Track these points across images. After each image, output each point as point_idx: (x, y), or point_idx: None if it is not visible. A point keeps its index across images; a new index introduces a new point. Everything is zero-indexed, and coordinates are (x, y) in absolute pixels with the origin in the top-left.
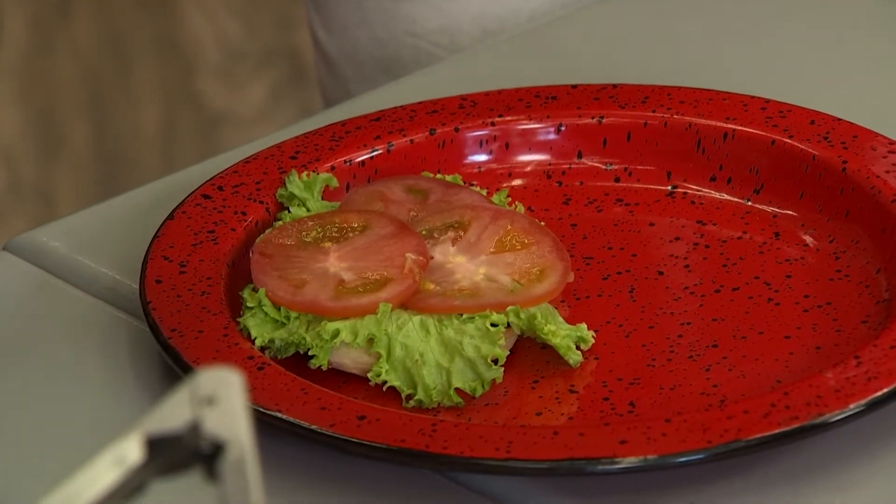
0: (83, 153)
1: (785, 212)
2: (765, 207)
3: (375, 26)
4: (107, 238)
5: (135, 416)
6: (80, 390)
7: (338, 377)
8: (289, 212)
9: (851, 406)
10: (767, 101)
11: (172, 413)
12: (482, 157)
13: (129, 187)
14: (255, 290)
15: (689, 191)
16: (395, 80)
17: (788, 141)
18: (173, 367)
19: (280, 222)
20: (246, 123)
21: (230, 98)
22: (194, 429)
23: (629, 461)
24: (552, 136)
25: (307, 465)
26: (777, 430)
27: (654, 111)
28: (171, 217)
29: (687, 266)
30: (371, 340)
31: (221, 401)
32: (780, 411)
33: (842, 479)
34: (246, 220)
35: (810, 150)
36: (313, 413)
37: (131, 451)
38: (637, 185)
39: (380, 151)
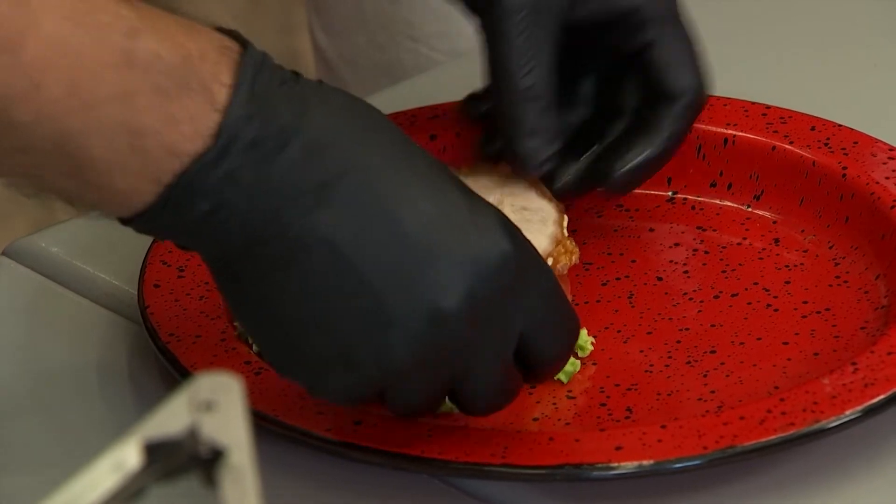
0: None
1: (785, 218)
2: (765, 213)
3: (375, 30)
4: (106, 243)
5: (133, 421)
6: (79, 395)
7: None
8: None
9: (848, 412)
10: (768, 106)
11: (171, 418)
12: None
13: None
14: None
15: (690, 196)
16: (395, 83)
17: (789, 147)
18: (171, 371)
19: None
20: None
21: None
22: (193, 434)
23: (625, 467)
24: None
25: (306, 469)
26: (773, 437)
27: None
28: None
29: (686, 272)
30: None
31: (220, 406)
32: (776, 417)
33: (839, 485)
34: None
35: (810, 156)
36: (310, 418)
37: (130, 456)
38: (637, 191)
39: None
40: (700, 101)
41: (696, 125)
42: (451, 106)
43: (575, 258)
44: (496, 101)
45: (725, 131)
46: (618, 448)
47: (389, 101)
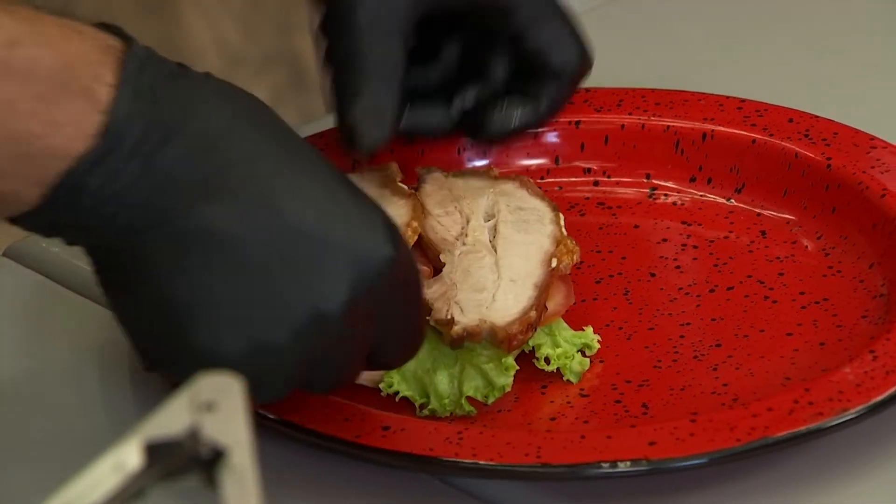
0: None
1: (768, 210)
2: (748, 206)
3: None
4: None
5: (133, 421)
6: (79, 395)
7: (346, 388)
8: None
9: (875, 399)
10: (743, 100)
11: (172, 419)
12: (461, 165)
13: None
14: None
15: (670, 192)
16: None
17: (769, 139)
18: None
19: None
20: None
21: None
22: (194, 435)
23: (661, 462)
24: (529, 141)
25: (306, 470)
26: (804, 427)
27: (630, 114)
28: None
29: (678, 267)
30: None
31: (221, 406)
32: (803, 408)
33: (839, 485)
34: None
35: (793, 148)
36: (338, 425)
37: (131, 456)
38: (617, 189)
39: (360, 161)
40: (583, 71)
41: (673, 121)
42: None
43: (576, 257)
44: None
45: (703, 126)
46: (651, 443)
47: None
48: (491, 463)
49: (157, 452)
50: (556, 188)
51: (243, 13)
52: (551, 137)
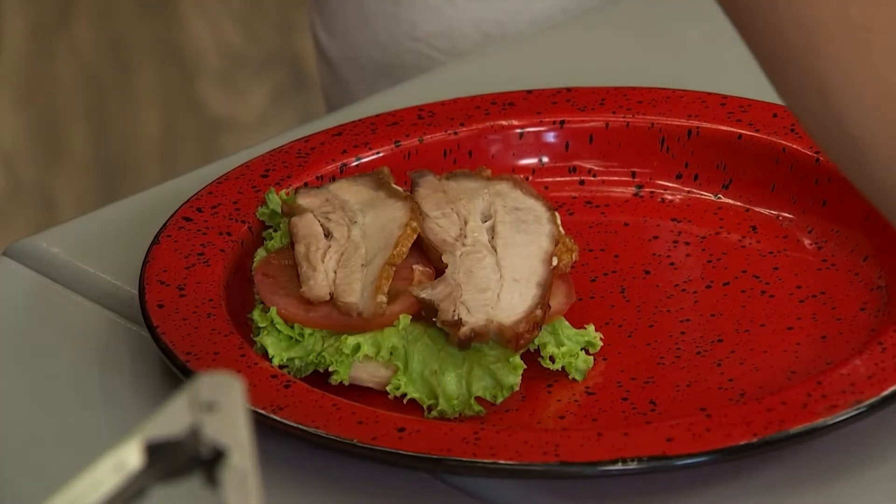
0: (83, 158)
1: (757, 206)
2: (736, 202)
3: (377, 30)
4: (107, 244)
5: (134, 421)
6: (80, 395)
7: (351, 391)
8: (274, 230)
9: (888, 391)
10: (725, 96)
11: (172, 418)
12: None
13: (129, 193)
14: (265, 310)
15: (656, 190)
16: (396, 83)
17: (755, 135)
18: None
19: (272, 241)
20: (246, 129)
21: (231, 103)
22: (194, 434)
23: (681, 458)
24: (515, 142)
25: (307, 470)
26: (819, 420)
27: (614, 112)
28: (156, 241)
29: (672, 263)
30: (392, 353)
31: (222, 406)
32: (817, 401)
33: (839, 484)
34: (232, 240)
35: (780, 143)
36: (352, 428)
37: (131, 456)
38: (603, 187)
39: (349, 165)
40: None
41: (657, 118)
42: (410, 112)
43: (575, 255)
44: None
45: (688, 123)
46: (669, 440)
47: (391, 100)
48: (510, 462)
49: (157, 452)
50: (543, 188)
51: (243, 13)
52: (536, 138)
